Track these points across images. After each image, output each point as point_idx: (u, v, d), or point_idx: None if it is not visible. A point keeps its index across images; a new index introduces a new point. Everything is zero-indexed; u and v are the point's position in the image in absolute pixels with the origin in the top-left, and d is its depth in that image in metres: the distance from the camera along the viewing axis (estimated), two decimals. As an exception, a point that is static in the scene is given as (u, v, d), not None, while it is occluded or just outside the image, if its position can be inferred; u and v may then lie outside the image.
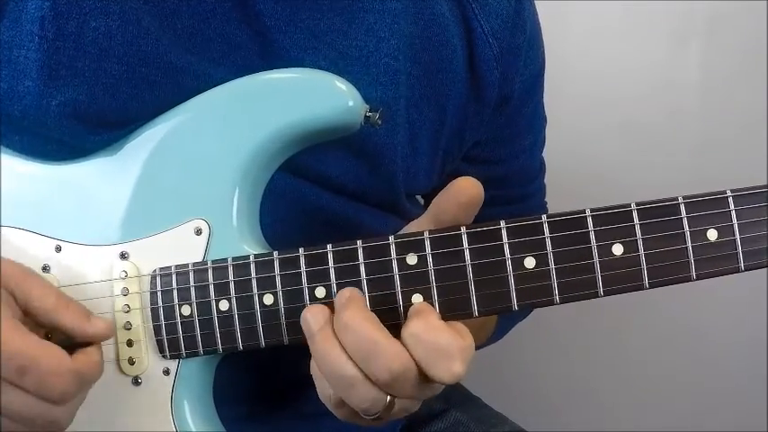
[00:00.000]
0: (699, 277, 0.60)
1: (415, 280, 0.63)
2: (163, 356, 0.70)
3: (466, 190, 0.62)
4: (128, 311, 0.70)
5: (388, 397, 0.60)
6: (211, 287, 0.68)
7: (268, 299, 0.66)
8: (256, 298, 0.66)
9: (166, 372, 0.70)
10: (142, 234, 0.71)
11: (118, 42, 0.71)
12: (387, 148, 0.78)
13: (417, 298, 0.63)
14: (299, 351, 0.64)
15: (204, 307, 0.68)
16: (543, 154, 1.00)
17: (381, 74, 0.77)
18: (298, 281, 0.65)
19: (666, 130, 1.44)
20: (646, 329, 1.50)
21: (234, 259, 0.67)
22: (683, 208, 0.60)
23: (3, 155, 0.74)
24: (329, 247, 0.65)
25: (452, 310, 0.63)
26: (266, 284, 0.66)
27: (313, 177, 0.77)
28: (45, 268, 0.72)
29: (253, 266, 0.67)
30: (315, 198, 0.78)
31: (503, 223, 0.62)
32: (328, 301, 0.64)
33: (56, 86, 0.70)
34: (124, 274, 0.70)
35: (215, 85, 0.72)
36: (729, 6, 1.38)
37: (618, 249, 0.61)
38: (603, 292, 0.61)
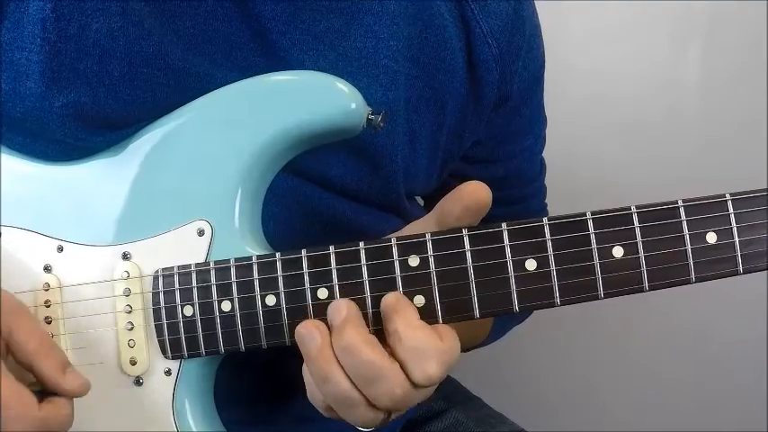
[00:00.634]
0: (698, 280, 0.61)
1: (417, 281, 0.64)
2: (165, 357, 0.70)
3: (474, 194, 0.62)
4: (130, 312, 0.70)
5: (387, 415, 0.61)
6: (214, 288, 0.68)
7: (270, 300, 0.66)
8: (259, 299, 0.67)
9: (168, 372, 0.70)
10: (144, 235, 0.71)
11: (120, 44, 0.71)
12: (387, 149, 0.79)
13: (419, 299, 0.64)
14: (300, 353, 0.65)
15: (206, 308, 0.68)
16: (543, 154, 1.00)
17: (381, 75, 0.78)
18: (300, 282, 0.66)
19: (666, 130, 1.44)
20: (646, 329, 1.50)
21: (236, 260, 0.67)
22: (682, 211, 0.61)
23: (5, 156, 0.74)
24: (331, 248, 0.65)
25: (454, 311, 0.63)
26: (268, 285, 0.66)
27: (314, 178, 0.78)
28: (47, 268, 0.72)
29: (255, 267, 0.67)
30: (316, 199, 0.78)
31: (504, 225, 0.63)
32: (331, 301, 0.64)
33: (58, 88, 0.70)
34: (126, 274, 0.70)
35: (217, 86, 0.72)
36: (729, 6, 1.38)
37: (618, 252, 0.61)
38: (604, 294, 0.61)
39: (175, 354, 0.69)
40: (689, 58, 1.42)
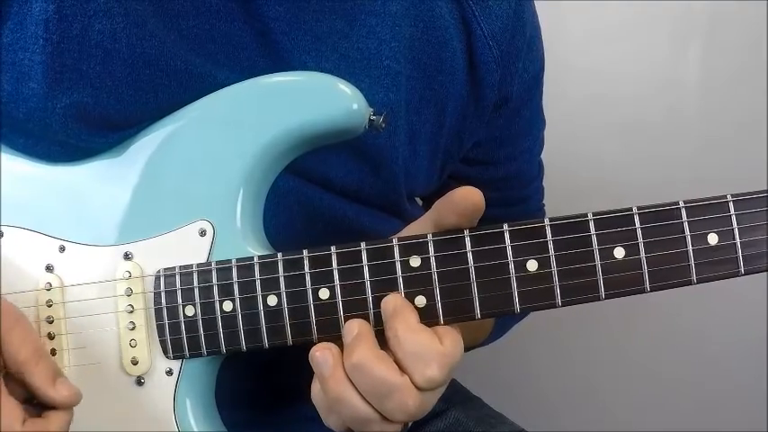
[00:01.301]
0: (699, 281, 0.61)
1: (419, 282, 0.64)
2: (166, 357, 0.70)
3: (466, 199, 0.62)
4: (131, 312, 0.70)
5: (403, 425, 0.62)
6: (215, 288, 0.68)
7: (272, 300, 0.66)
8: (260, 299, 0.67)
9: (169, 372, 0.70)
10: (146, 235, 0.71)
11: (122, 44, 0.71)
12: (388, 150, 0.79)
13: (420, 300, 0.64)
14: (301, 353, 0.65)
15: (208, 308, 0.68)
16: (543, 154, 1.00)
17: (383, 76, 0.78)
18: (301, 282, 0.66)
19: (666, 130, 1.44)
20: (646, 329, 1.50)
21: (238, 260, 0.68)
22: (683, 212, 0.61)
23: (7, 156, 0.74)
24: (333, 248, 0.66)
25: (455, 312, 0.64)
26: (270, 286, 0.67)
27: (315, 179, 0.78)
28: (49, 268, 0.72)
29: (257, 268, 0.67)
30: (317, 199, 0.78)
31: (505, 226, 0.63)
32: (332, 302, 0.65)
33: (61, 89, 0.70)
34: (128, 274, 0.71)
35: (219, 87, 0.72)
36: (729, 6, 1.38)
37: (619, 253, 0.61)
38: (605, 295, 0.62)
39: (177, 354, 0.70)
40: (689, 58, 1.42)
